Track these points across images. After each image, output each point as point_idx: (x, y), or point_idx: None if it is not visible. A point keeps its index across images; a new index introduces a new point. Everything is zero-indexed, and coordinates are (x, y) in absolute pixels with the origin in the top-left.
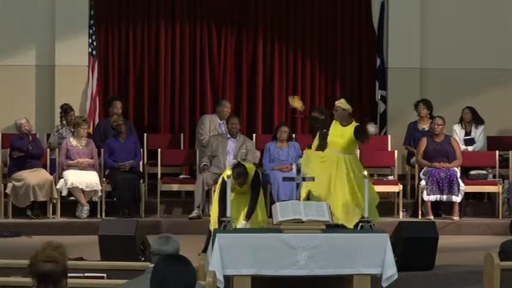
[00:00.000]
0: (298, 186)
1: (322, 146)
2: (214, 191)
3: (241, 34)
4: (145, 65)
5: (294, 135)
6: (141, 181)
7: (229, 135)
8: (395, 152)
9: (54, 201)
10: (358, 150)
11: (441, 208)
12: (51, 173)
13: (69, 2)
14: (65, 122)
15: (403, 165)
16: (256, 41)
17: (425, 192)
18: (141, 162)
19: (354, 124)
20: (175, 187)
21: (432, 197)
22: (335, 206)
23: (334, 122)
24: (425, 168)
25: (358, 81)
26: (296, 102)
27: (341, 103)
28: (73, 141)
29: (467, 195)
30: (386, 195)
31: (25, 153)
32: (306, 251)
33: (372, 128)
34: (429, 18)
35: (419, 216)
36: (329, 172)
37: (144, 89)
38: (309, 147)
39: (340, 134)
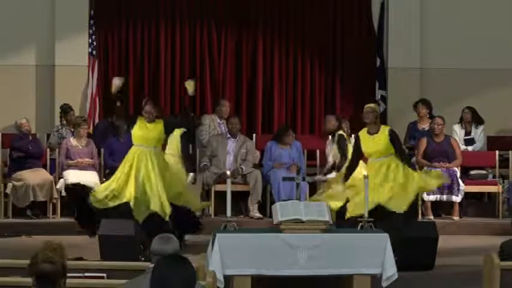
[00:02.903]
0: (298, 186)
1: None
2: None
3: (241, 34)
4: (145, 65)
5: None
6: None
7: (229, 135)
8: None
9: (54, 201)
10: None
11: (441, 208)
12: (51, 173)
13: (69, 2)
14: (65, 122)
15: None
16: (256, 41)
17: (425, 192)
18: None
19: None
20: None
21: (432, 197)
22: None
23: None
24: (425, 168)
25: (358, 81)
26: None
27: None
28: (73, 141)
29: (467, 195)
30: None
31: (25, 153)
32: (306, 251)
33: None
34: (429, 18)
35: (419, 216)
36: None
37: (144, 88)
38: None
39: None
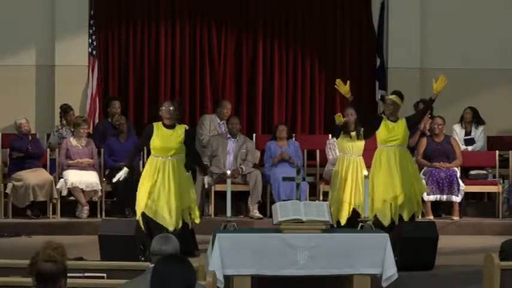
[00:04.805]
0: (298, 186)
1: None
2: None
3: (241, 34)
4: (145, 65)
5: (293, 135)
6: None
7: (229, 135)
8: None
9: (54, 201)
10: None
11: (441, 208)
12: (51, 173)
13: (69, 2)
14: (65, 122)
15: None
16: (256, 41)
17: (425, 192)
18: (141, 162)
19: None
20: None
21: (432, 197)
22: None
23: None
24: (425, 168)
25: (358, 81)
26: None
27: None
28: (73, 141)
29: (467, 195)
30: None
31: (25, 153)
32: (306, 251)
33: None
34: (429, 18)
35: (419, 216)
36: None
37: (144, 89)
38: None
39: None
